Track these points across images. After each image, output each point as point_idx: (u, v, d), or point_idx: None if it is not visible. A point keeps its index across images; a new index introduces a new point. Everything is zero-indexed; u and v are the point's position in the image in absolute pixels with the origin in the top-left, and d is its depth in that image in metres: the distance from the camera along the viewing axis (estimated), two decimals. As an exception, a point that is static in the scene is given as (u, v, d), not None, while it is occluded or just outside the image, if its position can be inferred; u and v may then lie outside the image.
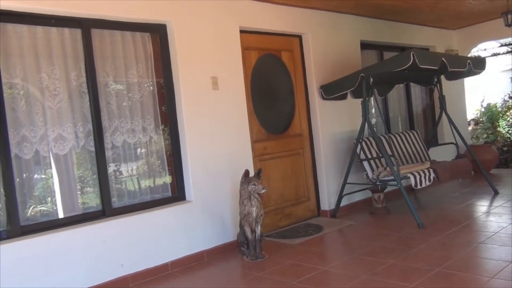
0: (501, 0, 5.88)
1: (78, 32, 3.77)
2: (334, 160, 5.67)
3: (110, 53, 3.98)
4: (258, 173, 4.12)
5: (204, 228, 4.28)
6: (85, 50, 3.77)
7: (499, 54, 11.06)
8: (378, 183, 5.23)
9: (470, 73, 5.66)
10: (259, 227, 4.12)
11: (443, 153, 6.76)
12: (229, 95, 4.59)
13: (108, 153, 3.91)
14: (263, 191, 4.00)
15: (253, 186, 3.99)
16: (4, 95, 3.34)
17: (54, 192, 3.69)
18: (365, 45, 6.38)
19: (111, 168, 3.95)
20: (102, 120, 3.86)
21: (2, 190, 3.31)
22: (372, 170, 5.38)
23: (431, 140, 7.05)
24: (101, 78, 3.90)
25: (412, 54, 4.46)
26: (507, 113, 9.85)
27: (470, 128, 9.74)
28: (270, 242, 4.64)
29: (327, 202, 5.56)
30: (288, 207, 5.30)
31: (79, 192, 3.83)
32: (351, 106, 5.81)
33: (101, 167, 3.81)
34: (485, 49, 10.54)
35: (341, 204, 5.53)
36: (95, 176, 3.83)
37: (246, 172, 4.06)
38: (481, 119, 10.23)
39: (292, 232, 4.93)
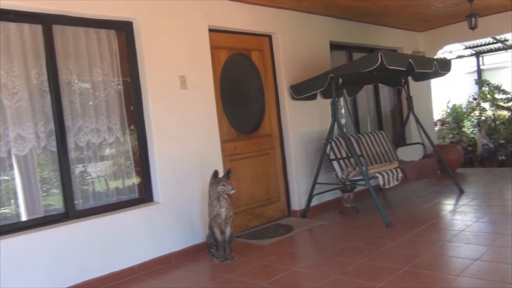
0: (465, 3, 6.02)
1: (38, 28, 3.62)
2: (305, 160, 5.67)
3: (74, 50, 3.84)
4: (227, 174, 4.06)
5: (172, 230, 4.19)
6: (46, 47, 3.62)
7: (463, 56, 11.39)
8: (347, 183, 5.26)
9: (436, 74, 5.78)
10: (229, 228, 4.06)
11: (410, 153, 6.87)
12: (198, 95, 4.51)
13: (72, 154, 3.77)
14: (232, 192, 3.95)
15: (222, 187, 3.93)
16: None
17: (16, 194, 3.53)
18: (334, 46, 6.43)
19: (75, 169, 3.81)
20: (65, 119, 3.72)
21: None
22: (342, 170, 5.40)
23: (399, 140, 7.16)
24: (63, 76, 3.76)
25: (380, 55, 4.50)
26: (472, 114, 10.14)
27: (436, 128, 9.97)
28: (240, 243, 4.59)
29: (298, 202, 5.55)
30: (258, 208, 5.26)
31: (44, 194, 3.68)
32: (321, 106, 5.83)
33: (63, 168, 3.67)
34: (450, 51, 10.82)
35: (312, 204, 5.53)
36: (57, 177, 3.69)
37: (215, 173, 4.00)
38: (447, 120, 10.50)
39: (262, 233, 4.90)
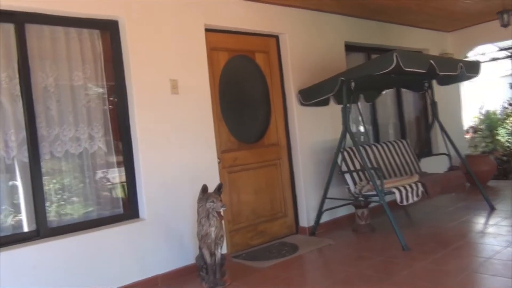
0: (497, -1, 5.43)
1: (10, 28, 3.30)
2: (315, 172, 5.18)
3: (51, 51, 3.52)
4: (218, 189, 3.62)
5: (159, 250, 3.80)
6: (18, 48, 3.31)
7: (498, 58, 10.58)
8: (360, 198, 4.74)
9: (463, 77, 5.18)
10: (220, 250, 3.62)
11: (436, 164, 6.24)
12: (192, 100, 4.11)
13: (46, 165, 3.44)
14: (222, 209, 3.51)
15: (212, 204, 3.50)
16: None
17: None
18: (351, 47, 5.91)
19: (49, 181, 3.47)
20: (39, 127, 3.39)
21: None
22: (355, 183, 4.88)
23: (424, 150, 6.56)
24: (39, 80, 3.43)
25: (395, 55, 3.98)
26: (507, 121, 9.36)
27: (468, 136, 9.24)
28: (237, 264, 4.16)
29: (306, 218, 5.06)
30: (261, 224, 4.80)
31: (13, 210, 3.35)
32: (335, 113, 5.30)
33: (35, 180, 3.33)
34: (483, 54, 10.06)
35: (323, 220, 5.03)
36: (28, 191, 3.35)
37: (204, 188, 3.57)
38: (480, 127, 9.74)
39: (263, 253, 4.44)
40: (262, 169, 4.86)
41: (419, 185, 4.65)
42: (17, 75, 3.32)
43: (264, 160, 4.88)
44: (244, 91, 4.85)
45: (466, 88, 8.21)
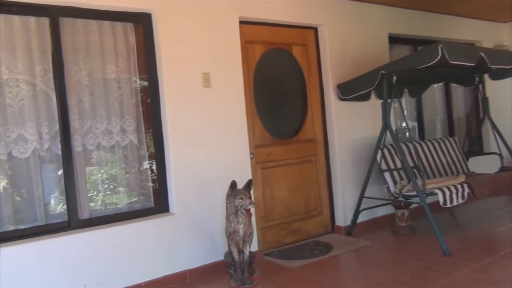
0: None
1: (46, 22, 3.35)
2: (353, 169, 4.98)
3: (85, 45, 3.54)
4: (247, 185, 3.54)
5: (188, 245, 3.76)
6: (52, 42, 3.35)
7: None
8: (400, 198, 4.49)
9: (517, 71, 4.78)
10: (248, 248, 3.54)
11: (487, 164, 5.83)
12: (224, 94, 4.04)
13: (79, 157, 3.48)
14: (250, 206, 3.42)
15: (240, 201, 3.42)
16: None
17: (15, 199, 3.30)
18: (396, 40, 5.63)
19: (82, 174, 3.51)
20: (71, 120, 3.43)
21: None
22: (395, 182, 4.64)
23: (474, 148, 6.15)
24: (72, 73, 3.47)
25: (441, 47, 3.71)
26: None
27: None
28: (268, 262, 4.07)
29: (343, 217, 4.88)
30: (295, 222, 4.67)
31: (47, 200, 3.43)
32: (375, 108, 5.05)
33: (67, 173, 3.37)
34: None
35: (361, 219, 4.84)
36: (61, 182, 3.41)
37: (233, 184, 3.50)
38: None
39: (296, 252, 4.31)
40: (297, 166, 4.73)
41: (465, 186, 4.35)
42: (51, 69, 3.37)
43: (299, 156, 4.74)
44: (279, 85, 4.72)
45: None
